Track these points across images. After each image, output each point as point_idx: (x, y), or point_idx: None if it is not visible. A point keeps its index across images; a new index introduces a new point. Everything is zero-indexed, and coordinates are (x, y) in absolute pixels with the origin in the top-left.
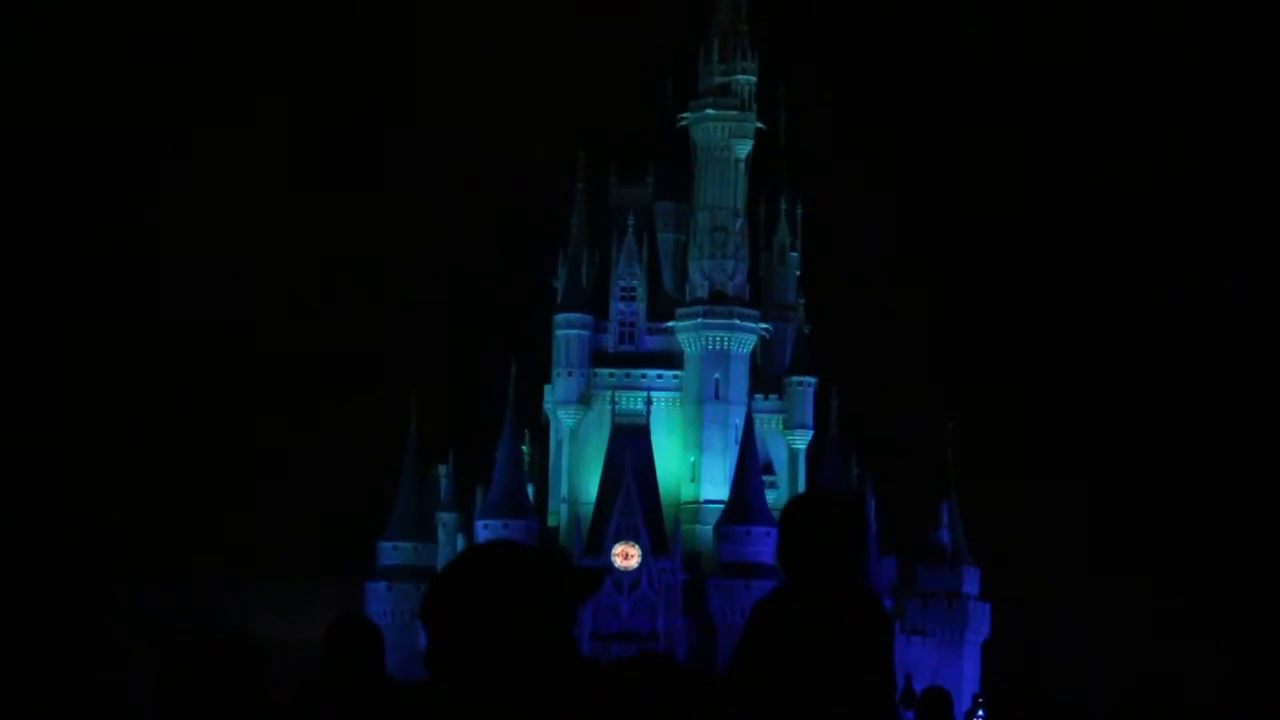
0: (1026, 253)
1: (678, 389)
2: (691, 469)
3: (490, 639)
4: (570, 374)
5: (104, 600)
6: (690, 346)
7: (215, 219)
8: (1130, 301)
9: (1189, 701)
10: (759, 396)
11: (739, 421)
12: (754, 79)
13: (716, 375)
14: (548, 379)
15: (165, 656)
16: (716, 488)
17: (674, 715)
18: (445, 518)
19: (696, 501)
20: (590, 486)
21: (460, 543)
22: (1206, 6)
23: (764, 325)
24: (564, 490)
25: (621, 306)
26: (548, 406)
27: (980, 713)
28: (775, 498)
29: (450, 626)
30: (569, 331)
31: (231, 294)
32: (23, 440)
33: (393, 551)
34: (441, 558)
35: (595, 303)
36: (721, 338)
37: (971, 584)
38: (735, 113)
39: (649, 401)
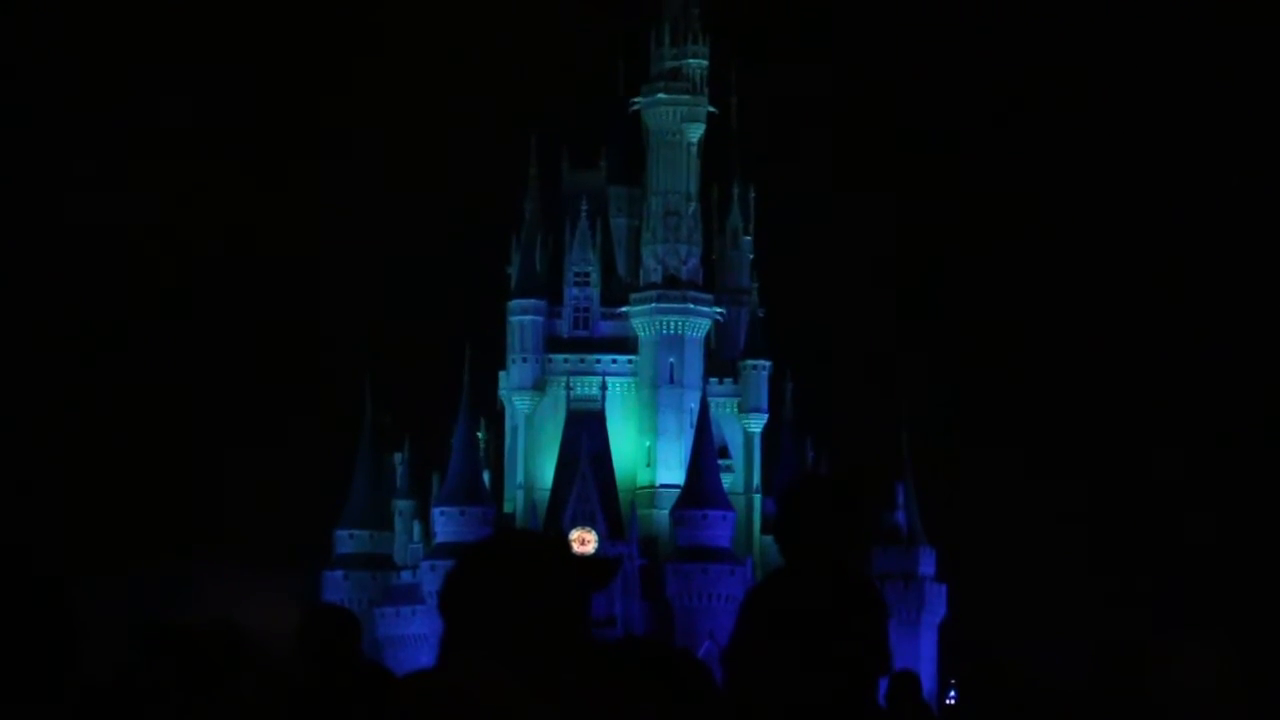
0: (979, 234)
1: (632, 374)
2: (647, 453)
3: (507, 627)
4: (525, 360)
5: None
6: (644, 331)
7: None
8: (1081, 284)
9: (1151, 671)
10: (714, 380)
11: (694, 406)
12: (705, 63)
13: (671, 360)
14: (502, 365)
15: (145, 643)
16: (672, 472)
17: (677, 700)
18: (401, 505)
19: (652, 486)
20: (546, 472)
21: (417, 530)
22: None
23: (718, 309)
24: (520, 476)
25: (575, 292)
26: (503, 393)
27: (953, 693)
28: (731, 481)
29: (468, 615)
30: (523, 317)
31: (189, 282)
32: None
33: (349, 540)
34: (398, 545)
35: (549, 288)
36: (676, 322)
37: (927, 565)
38: (687, 97)
39: (604, 386)
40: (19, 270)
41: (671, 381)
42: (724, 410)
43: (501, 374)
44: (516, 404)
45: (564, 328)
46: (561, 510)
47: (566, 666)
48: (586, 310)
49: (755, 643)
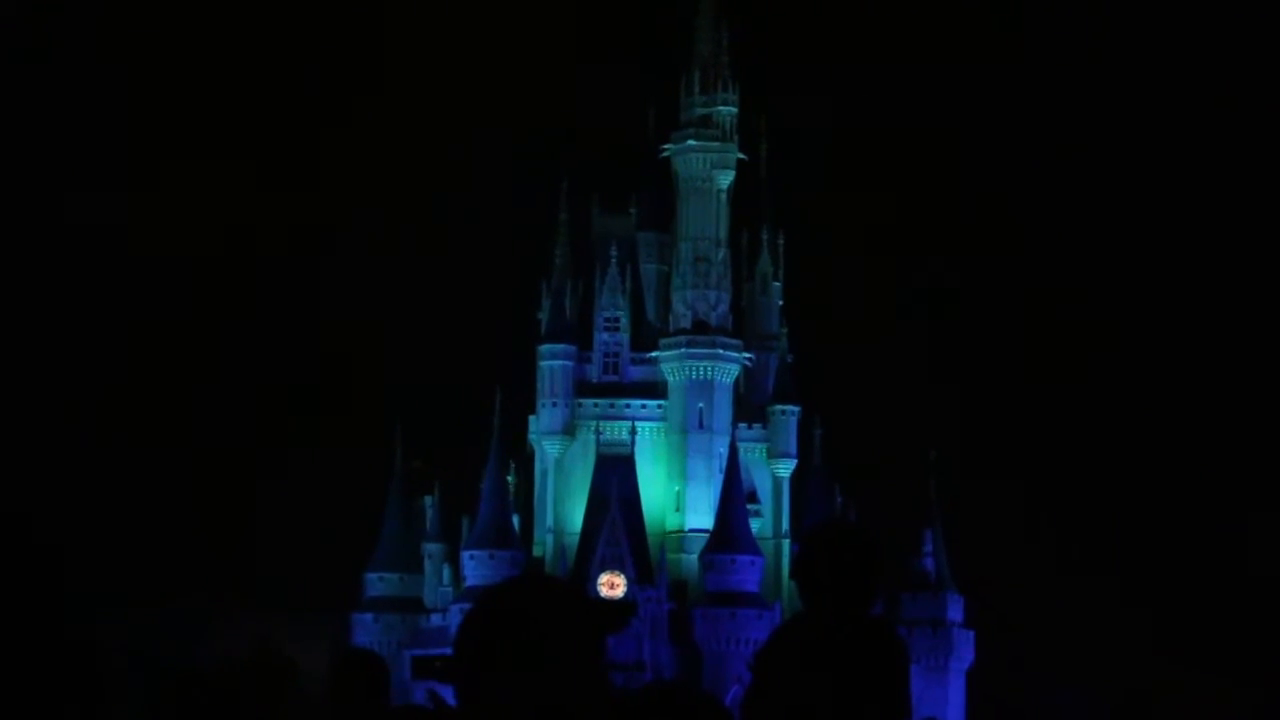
0: (1005, 281)
1: (662, 419)
2: (676, 498)
3: (522, 670)
4: (555, 404)
5: (88, 625)
6: (674, 376)
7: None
8: (1110, 322)
9: None
10: (742, 425)
11: (723, 450)
12: (735, 110)
13: (700, 405)
14: (532, 409)
15: (173, 692)
16: (701, 517)
17: None
18: (431, 549)
19: (681, 530)
20: (575, 516)
21: (446, 574)
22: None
23: (747, 355)
24: (549, 520)
25: (605, 337)
26: (533, 437)
27: None
28: (760, 526)
29: (483, 658)
30: (553, 362)
31: (216, 323)
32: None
33: (379, 583)
34: (427, 588)
35: (579, 333)
36: (705, 367)
37: (955, 611)
38: (717, 144)
39: (633, 431)
40: (38, 298)
41: (701, 426)
42: (753, 455)
43: (531, 418)
44: (546, 448)
45: (594, 373)
46: (591, 554)
47: (581, 711)
48: (616, 355)
49: (775, 688)
